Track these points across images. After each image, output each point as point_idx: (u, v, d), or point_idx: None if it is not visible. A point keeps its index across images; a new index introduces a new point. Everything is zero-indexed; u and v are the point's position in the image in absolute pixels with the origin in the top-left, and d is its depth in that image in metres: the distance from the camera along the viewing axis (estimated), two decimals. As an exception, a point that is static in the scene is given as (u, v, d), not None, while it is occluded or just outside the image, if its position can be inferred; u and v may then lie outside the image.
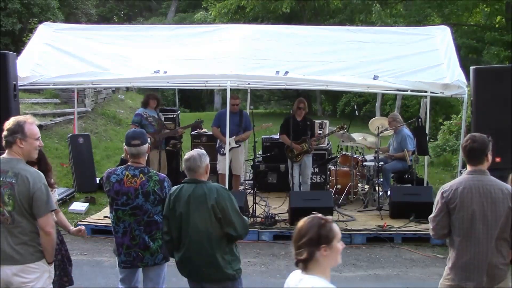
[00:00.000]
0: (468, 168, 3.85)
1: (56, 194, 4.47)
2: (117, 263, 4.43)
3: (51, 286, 3.85)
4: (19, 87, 7.53)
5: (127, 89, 18.51)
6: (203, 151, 4.13)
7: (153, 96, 9.08)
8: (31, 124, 3.77)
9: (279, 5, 21.69)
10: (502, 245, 3.73)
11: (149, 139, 4.56)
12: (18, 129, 3.72)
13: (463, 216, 3.74)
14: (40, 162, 4.19)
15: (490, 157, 3.82)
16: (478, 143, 3.78)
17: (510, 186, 3.80)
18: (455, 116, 14.25)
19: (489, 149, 3.80)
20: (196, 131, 10.60)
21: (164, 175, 4.39)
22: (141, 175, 4.25)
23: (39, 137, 3.81)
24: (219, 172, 8.95)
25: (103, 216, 8.13)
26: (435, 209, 3.89)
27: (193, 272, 4.05)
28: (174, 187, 4.11)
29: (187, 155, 4.08)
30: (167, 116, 10.39)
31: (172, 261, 4.59)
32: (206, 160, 4.06)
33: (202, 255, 3.94)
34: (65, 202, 8.88)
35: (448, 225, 3.84)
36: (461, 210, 3.75)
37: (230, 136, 8.16)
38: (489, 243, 3.70)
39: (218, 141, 9.09)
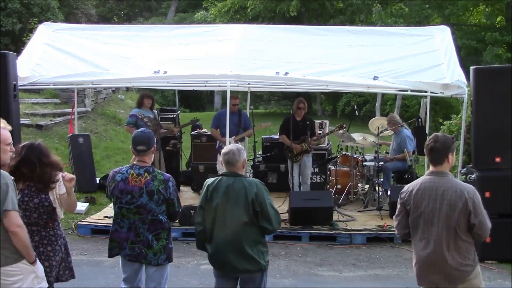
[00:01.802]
0: (430, 168, 3.89)
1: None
2: (120, 258, 4.40)
3: (42, 285, 3.74)
4: (19, 87, 7.53)
5: (127, 89, 18.49)
6: (241, 146, 4.32)
7: (147, 96, 9.02)
8: (4, 128, 3.67)
9: (285, 7, 21.63)
10: (461, 246, 3.72)
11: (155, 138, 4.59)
12: None
13: (418, 218, 3.79)
14: (42, 157, 4.05)
15: (451, 158, 3.81)
16: (439, 143, 3.78)
17: (470, 187, 3.77)
18: (455, 116, 14.24)
19: (451, 150, 3.78)
20: (196, 131, 10.60)
21: (169, 175, 4.42)
22: (146, 174, 4.28)
23: (10, 142, 3.73)
24: (219, 173, 8.93)
25: (103, 216, 8.14)
26: (397, 209, 3.98)
27: (227, 263, 4.14)
28: (212, 179, 4.26)
29: (225, 149, 4.24)
30: (167, 116, 10.40)
31: (173, 261, 4.60)
32: (244, 155, 4.24)
33: (238, 246, 4.07)
34: (65, 202, 8.87)
35: (408, 225, 3.90)
36: (415, 211, 3.80)
37: (229, 137, 8.14)
38: (444, 244, 3.71)
39: (218, 141, 9.08)
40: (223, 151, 4.24)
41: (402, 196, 3.90)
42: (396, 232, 4.05)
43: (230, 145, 4.30)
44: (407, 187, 3.92)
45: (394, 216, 4.03)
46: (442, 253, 3.71)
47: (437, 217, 3.72)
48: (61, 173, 4.18)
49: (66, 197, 4.17)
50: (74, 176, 4.21)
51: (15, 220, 3.51)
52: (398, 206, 3.94)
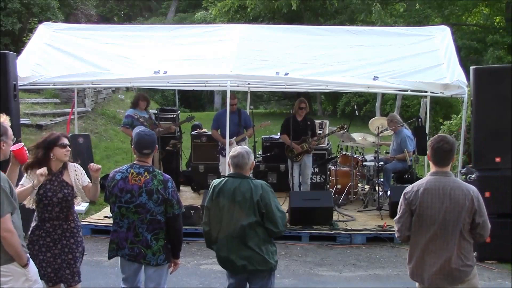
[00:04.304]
0: (432, 169, 3.88)
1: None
2: (119, 258, 4.41)
3: (35, 287, 3.72)
4: (19, 87, 7.51)
5: (127, 89, 18.48)
6: (249, 149, 4.37)
7: (143, 97, 9.00)
8: (8, 125, 3.71)
9: (283, 3, 21.54)
10: (463, 246, 3.74)
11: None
12: (2, 131, 3.61)
13: (423, 218, 3.77)
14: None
15: (453, 157, 3.86)
16: (449, 145, 3.81)
17: (473, 187, 3.81)
18: (455, 116, 14.24)
19: (455, 151, 3.86)
20: (196, 131, 10.59)
21: (169, 176, 4.40)
22: (146, 173, 4.28)
23: (14, 139, 3.80)
24: (221, 174, 8.92)
25: (103, 216, 8.14)
26: (399, 211, 3.92)
27: (236, 263, 4.17)
28: (218, 180, 4.31)
29: (234, 151, 4.28)
30: (167, 116, 10.38)
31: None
32: (252, 158, 4.29)
33: (246, 246, 4.11)
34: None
35: (411, 226, 3.87)
36: (421, 211, 3.78)
37: (230, 137, 8.13)
38: (448, 244, 3.72)
39: (220, 142, 9.06)
40: (232, 153, 4.26)
41: (406, 196, 3.85)
42: (397, 235, 3.95)
43: (238, 148, 4.31)
44: (411, 187, 3.88)
45: (396, 218, 3.94)
46: (446, 253, 3.72)
47: (444, 216, 3.71)
48: (76, 166, 4.35)
49: (90, 187, 4.36)
50: (100, 166, 4.34)
51: (6, 225, 3.49)
52: (402, 207, 3.87)
